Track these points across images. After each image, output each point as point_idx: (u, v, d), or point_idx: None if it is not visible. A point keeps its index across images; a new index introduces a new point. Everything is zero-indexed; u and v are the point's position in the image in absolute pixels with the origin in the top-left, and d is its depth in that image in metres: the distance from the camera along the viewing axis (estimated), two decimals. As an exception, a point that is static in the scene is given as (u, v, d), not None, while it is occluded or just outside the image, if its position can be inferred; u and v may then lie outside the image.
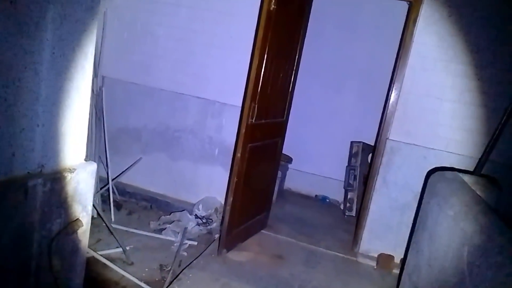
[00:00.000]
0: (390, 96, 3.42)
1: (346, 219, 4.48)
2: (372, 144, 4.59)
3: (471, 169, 2.78)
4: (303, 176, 5.01)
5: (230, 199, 3.05)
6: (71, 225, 1.48)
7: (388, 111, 3.42)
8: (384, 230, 3.44)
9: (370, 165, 3.97)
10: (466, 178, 2.17)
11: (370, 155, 4.57)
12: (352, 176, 4.58)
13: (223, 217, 3.17)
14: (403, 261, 2.84)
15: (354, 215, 4.48)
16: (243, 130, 2.94)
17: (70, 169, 1.46)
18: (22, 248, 1.36)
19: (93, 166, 1.58)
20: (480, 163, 2.55)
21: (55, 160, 1.42)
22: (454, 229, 1.67)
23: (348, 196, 4.56)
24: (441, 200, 1.98)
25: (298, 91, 3.71)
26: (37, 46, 1.27)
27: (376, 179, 3.40)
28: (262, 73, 2.94)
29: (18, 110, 1.27)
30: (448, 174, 2.22)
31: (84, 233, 1.59)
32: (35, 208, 1.35)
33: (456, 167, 2.97)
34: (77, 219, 1.51)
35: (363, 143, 4.63)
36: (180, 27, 3.74)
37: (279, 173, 4.40)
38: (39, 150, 1.36)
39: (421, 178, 3.18)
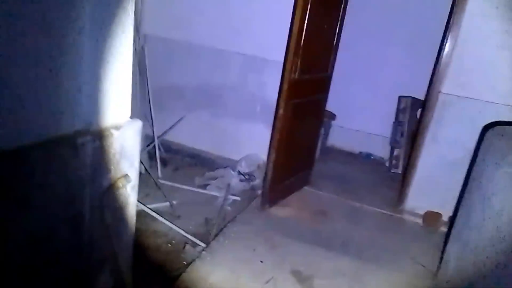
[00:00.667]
0: (445, 45, 3.16)
1: (391, 176, 4.38)
2: (422, 98, 4.34)
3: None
4: (347, 133, 4.89)
5: (273, 155, 3.04)
6: (120, 180, 1.53)
7: (442, 62, 3.18)
8: (431, 188, 3.32)
9: (420, 120, 3.78)
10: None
11: (420, 110, 4.35)
12: (399, 133, 4.40)
13: (265, 173, 3.19)
14: (452, 219, 2.75)
15: (400, 172, 4.35)
16: (285, 86, 2.87)
17: (116, 127, 1.49)
18: (75, 202, 1.43)
19: (138, 124, 1.61)
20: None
21: (101, 118, 1.45)
22: (510, 187, 1.56)
23: (394, 153, 4.42)
24: (498, 156, 1.84)
25: (342, 43, 3.52)
26: (79, 4, 1.26)
27: (426, 135, 3.24)
28: (305, 25, 2.80)
29: (63, 70, 1.29)
30: (507, 129, 2.05)
31: (133, 187, 1.65)
32: (85, 164, 1.40)
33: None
34: (126, 174, 1.56)
35: (412, 97, 4.40)
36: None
37: (322, 130, 4.32)
38: (86, 108, 1.39)
39: (475, 134, 2.97)
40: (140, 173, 3.58)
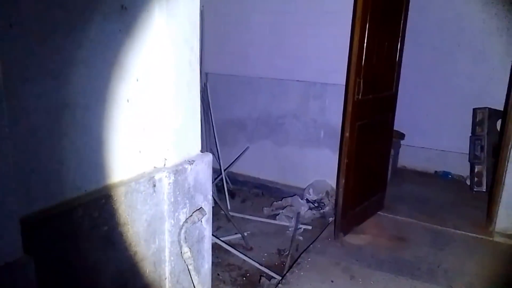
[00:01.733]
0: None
1: (474, 195, 4.01)
2: (500, 108, 3.99)
3: None
4: (419, 152, 4.61)
5: (342, 181, 2.93)
6: (196, 213, 1.54)
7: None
8: (525, 205, 2.97)
9: (501, 132, 3.47)
10: None
11: (499, 121, 4.00)
12: (479, 147, 4.06)
13: (336, 200, 3.08)
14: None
15: (484, 190, 3.97)
16: (349, 108, 2.79)
17: (189, 161, 1.52)
18: (156, 237, 1.46)
19: (209, 157, 1.63)
20: None
21: (176, 153, 1.49)
22: None
23: (476, 170, 4.06)
24: None
25: (405, 58, 3.38)
26: (151, 45, 1.34)
27: (511, 148, 2.94)
28: (365, 44, 2.74)
29: (140, 109, 1.35)
30: None
31: (207, 220, 1.65)
32: (163, 199, 1.44)
33: None
34: (200, 207, 1.58)
35: (489, 108, 4.06)
36: (272, 11, 3.70)
37: (391, 151, 4.12)
38: (161, 145, 1.44)
39: None
40: (212, 206, 3.66)
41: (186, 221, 1.51)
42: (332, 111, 3.60)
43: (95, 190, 1.24)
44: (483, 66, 4.13)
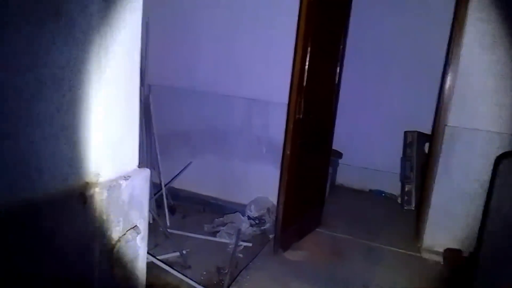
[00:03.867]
0: (446, 79, 3.19)
1: (405, 212, 4.26)
2: (428, 132, 4.33)
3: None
4: (355, 171, 4.83)
5: (283, 198, 2.98)
6: (130, 231, 1.47)
7: (444, 96, 3.19)
8: (449, 223, 3.21)
9: (429, 154, 3.75)
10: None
11: (427, 144, 4.31)
12: (409, 168, 4.34)
13: (276, 217, 3.11)
14: (476, 255, 2.62)
15: (413, 208, 4.24)
16: (291, 126, 2.86)
17: (125, 177, 1.46)
18: (84, 257, 1.37)
19: (146, 172, 1.58)
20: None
21: (110, 168, 1.42)
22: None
23: (406, 189, 4.33)
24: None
25: (344, 81, 3.57)
26: (87, 55, 1.28)
27: (437, 169, 3.18)
28: (306, 66, 2.85)
29: (71, 120, 1.28)
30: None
31: (143, 239, 1.58)
32: (94, 217, 1.36)
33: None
34: (135, 225, 1.51)
35: (418, 132, 4.38)
36: (220, 26, 3.73)
37: (330, 169, 4.27)
38: (94, 159, 1.37)
39: (486, 165, 2.94)
40: (149, 223, 3.53)
41: (119, 240, 1.44)
42: (275, 128, 3.66)
43: (18, 204, 1.14)
44: (413, 91, 4.46)
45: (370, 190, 4.82)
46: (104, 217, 1.38)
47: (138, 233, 1.50)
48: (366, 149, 4.79)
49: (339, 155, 4.65)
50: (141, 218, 1.56)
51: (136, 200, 1.52)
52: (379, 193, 4.74)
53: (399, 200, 4.50)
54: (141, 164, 1.63)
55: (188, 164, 4.03)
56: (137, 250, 1.56)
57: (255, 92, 3.70)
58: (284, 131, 2.99)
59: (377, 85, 4.64)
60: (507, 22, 2.86)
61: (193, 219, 3.78)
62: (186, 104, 3.99)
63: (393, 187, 4.63)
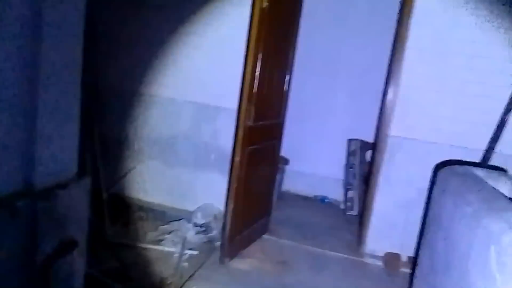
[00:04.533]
0: (388, 91, 3.34)
1: (347, 218, 4.39)
2: (370, 140, 4.51)
3: (477, 162, 2.71)
4: (301, 177, 4.90)
5: (231, 205, 2.93)
6: (66, 246, 1.35)
7: (386, 107, 3.34)
8: (389, 229, 3.35)
9: (371, 162, 3.90)
10: (477, 171, 2.08)
11: (369, 152, 4.49)
12: (352, 175, 4.49)
13: (224, 225, 3.05)
14: (414, 260, 2.76)
15: (355, 214, 4.38)
16: (241, 133, 2.83)
17: (61, 185, 1.33)
18: (12, 274, 1.22)
19: (86, 181, 1.46)
20: (487, 155, 2.48)
21: (45, 176, 1.29)
22: (475, 228, 1.57)
23: (348, 195, 4.47)
24: (455, 196, 1.89)
25: (291, 89, 3.61)
26: (28, 53, 1.15)
27: (379, 177, 3.31)
28: (257, 72, 2.83)
29: (1, 123, 1.14)
30: (459, 168, 2.13)
31: (80, 253, 1.46)
32: (24, 230, 1.22)
33: (463, 160, 2.89)
34: (72, 239, 1.38)
35: (361, 140, 4.55)
36: (168, 28, 3.61)
37: (277, 176, 4.29)
38: (26, 166, 1.23)
39: (425, 173, 3.11)
40: (86, 236, 3.31)
41: (53, 255, 1.31)
42: (224, 135, 3.60)
43: None
44: (357, 101, 4.64)
45: (315, 196, 4.91)
46: (37, 231, 1.25)
47: (75, 247, 1.37)
48: (312, 156, 4.88)
49: (286, 161, 4.69)
50: (79, 230, 1.44)
51: (74, 210, 1.40)
52: (323, 199, 4.85)
53: (342, 206, 4.63)
54: (81, 171, 1.51)
55: (131, 169, 3.85)
56: (73, 266, 1.43)
57: (203, 96, 3.62)
58: (234, 138, 2.94)
59: (323, 94, 4.77)
60: (444, 40, 3.06)
61: (136, 227, 3.60)
62: (131, 107, 3.81)
63: (337, 193, 4.76)
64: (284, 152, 4.45)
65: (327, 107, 4.79)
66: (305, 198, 4.91)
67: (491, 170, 2.10)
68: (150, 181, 3.87)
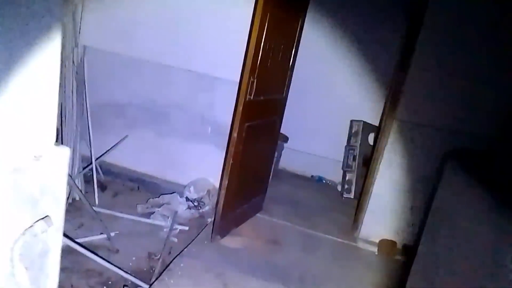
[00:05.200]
0: (397, 73, 3.17)
1: (343, 201, 4.30)
2: (374, 123, 4.36)
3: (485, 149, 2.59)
4: (299, 156, 4.77)
5: (225, 182, 2.80)
6: (39, 223, 1.21)
7: (395, 89, 3.17)
8: (386, 215, 3.25)
9: (374, 146, 3.76)
10: (487, 163, 1.95)
11: (371, 134, 4.35)
12: (351, 157, 4.36)
13: (217, 202, 2.94)
14: (411, 250, 2.67)
15: (352, 197, 4.29)
16: (240, 108, 2.66)
17: (36, 156, 1.18)
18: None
19: (65, 151, 1.30)
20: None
21: (17, 146, 1.14)
22: (486, 226, 1.45)
23: (347, 177, 4.36)
24: (464, 191, 1.76)
25: (296, 65, 3.42)
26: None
27: (381, 161, 3.18)
28: (261, 45, 2.64)
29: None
30: (468, 161, 2.00)
31: (56, 231, 1.32)
32: (-9, 205, 1.08)
33: (471, 148, 2.75)
34: (47, 216, 1.25)
35: (364, 122, 4.39)
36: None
37: (275, 153, 4.16)
38: (-6, 133, 1.08)
39: (430, 161, 2.99)
40: (74, 200, 3.19)
41: (23, 234, 1.17)
42: (222, 107, 3.44)
43: None
44: (362, 82, 4.45)
45: (312, 176, 4.80)
46: (6, 207, 1.11)
47: (49, 225, 1.24)
48: (311, 135, 4.73)
49: (285, 139, 4.55)
50: (56, 206, 1.30)
51: (51, 185, 1.25)
52: (320, 179, 4.74)
53: (339, 188, 4.53)
54: (64, 139, 1.35)
55: (124, 138, 3.69)
56: (47, 244, 1.30)
57: (201, 65, 3.43)
58: (233, 112, 2.78)
59: (327, 71, 4.56)
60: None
61: (126, 198, 3.49)
62: (124, 72, 3.62)
63: (334, 174, 4.65)
64: (284, 129, 4.31)
65: (330, 85, 4.59)
66: (302, 178, 4.80)
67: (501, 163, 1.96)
68: (143, 151, 3.72)
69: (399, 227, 3.21)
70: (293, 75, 3.39)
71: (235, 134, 2.70)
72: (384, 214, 3.25)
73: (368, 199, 3.28)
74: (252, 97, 2.72)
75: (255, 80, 2.68)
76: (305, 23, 3.28)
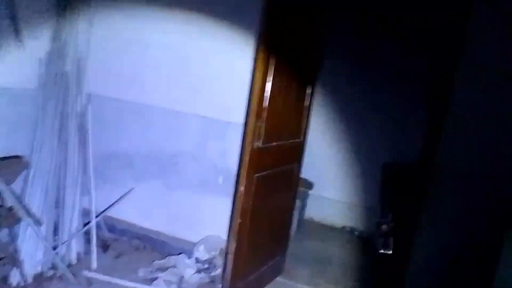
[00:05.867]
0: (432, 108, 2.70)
1: (381, 258, 3.70)
2: (409, 165, 3.83)
3: None
4: (327, 204, 4.28)
5: (233, 245, 2.38)
6: None
7: (430, 128, 2.68)
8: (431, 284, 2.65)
9: (409, 194, 3.23)
10: None
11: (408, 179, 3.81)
12: (386, 205, 3.81)
13: (224, 268, 2.50)
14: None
15: (390, 252, 3.69)
16: (246, 157, 2.29)
17: None
18: None
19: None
20: None
21: None
22: None
23: (383, 229, 3.79)
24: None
25: (317, 104, 3.04)
26: None
27: (421, 217, 2.64)
28: (268, 83, 2.29)
29: None
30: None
31: None
32: None
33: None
34: None
35: (399, 164, 3.87)
36: (173, 32, 3.15)
37: (298, 202, 3.71)
38: None
39: (474, 213, 2.44)
40: (69, 265, 2.85)
41: None
42: (235, 154, 3.07)
43: None
44: (397, 121, 3.99)
45: (343, 227, 4.26)
46: None
47: None
48: (341, 180, 4.26)
49: (309, 185, 4.09)
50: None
51: None
52: (352, 231, 4.19)
53: (374, 242, 3.95)
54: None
55: (129, 191, 3.37)
56: None
57: (212, 110, 3.11)
58: (238, 162, 2.40)
59: (357, 110, 4.14)
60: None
61: (129, 259, 3.11)
62: (131, 120, 3.36)
63: (369, 225, 4.09)
64: (307, 174, 3.88)
65: (361, 124, 4.16)
66: (331, 229, 4.27)
67: None
68: (150, 205, 3.37)
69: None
70: (313, 114, 3.00)
71: (242, 188, 2.30)
72: (427, 282, 2.65)
73: (408, 263, 2.71)
74: (261, 144, 2.34)
75: (264, 124, 2.30)
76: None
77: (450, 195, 2.52)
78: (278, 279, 3.00)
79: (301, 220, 4.09)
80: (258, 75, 2.21)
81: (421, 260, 2.63)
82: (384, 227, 3.77)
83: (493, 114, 2.41)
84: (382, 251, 3.74)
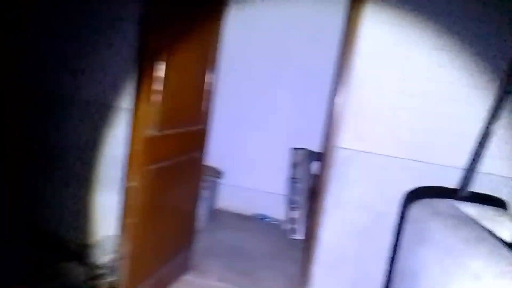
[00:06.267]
0: (337, 93, 2.67)
1: (291, 243, 3.69)
2: (317, 150, 3.85)
3: (446, 182, 2.12)
4: (238, 192, 4.16)
5: (127, 247, 2.09)
6: None
7: (335, 112, 2.66)
8: (339, 263, 2.67)
9: (318, 178, 3.22)
10: (466, 208, 1.43)
11: (315, 163, 3.83)
12: (296, 190, 3.80)
13: (119, 272, 2.21)
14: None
15: (301, 238, 3.70)
16: (137, 147, 2.00)
17: None
18: None
19: None
20: (467, 176, 1.87)
21: None
22: None
23: (292, 215, 3.78)
24: (444, 252, 1.21)
25: (223, 89, 2.85)
26: None
27: (327, 198, 2.62)
28: (161, 65, 2.02)
29: None
30: (440, 204, 1.47)
31: None
32: None
33: (438, 185, 2.26)
34: None
35: (308, 150, 3.87)
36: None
37: (207, 192, 3.52)
38: None
39: (383, 194, 2.48)
40: None
41: None
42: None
43: None
44: (302, 103, 3.97)
45: (254, 215, 4.18)
46: None
47: None
48: (250, 167, 4.16)
49: (219, 174, 3.92)
50: None
51: None
52: (262, 218, 4.13)
53: (284, 227, 3.93)
54: None
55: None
56: None
57: (95, 92, 2.73)
58: (128, 155, 2.10)
59: (262, 94, 4.05)
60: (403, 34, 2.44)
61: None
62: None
63: (279, 211, 4.06)
64: (217, 163, 3.71)
65: (267, 110, 4.07)
66: (243, 217, 4.15)
67: (484, 207, 1.46)
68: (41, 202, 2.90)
69: (356, 277, 2.64)
70: (222, 100, 2.80)
71: (133, 184, 2.02)
72: (337, 261, 2.65)
73: (317, 245, 2.68)
74: (157, 132, 2.07)
75: (158, 110, 2.04)
76: (227, 36, 2.73)
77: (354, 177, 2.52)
78: (186, 277, 2.79)
79: (212, 210, 3.91)
80: (146, 58, 1.93)
81: (329, 240, 2.62)
82: (293, 212, 3.76)
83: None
84: (292, 236, 3.73)
